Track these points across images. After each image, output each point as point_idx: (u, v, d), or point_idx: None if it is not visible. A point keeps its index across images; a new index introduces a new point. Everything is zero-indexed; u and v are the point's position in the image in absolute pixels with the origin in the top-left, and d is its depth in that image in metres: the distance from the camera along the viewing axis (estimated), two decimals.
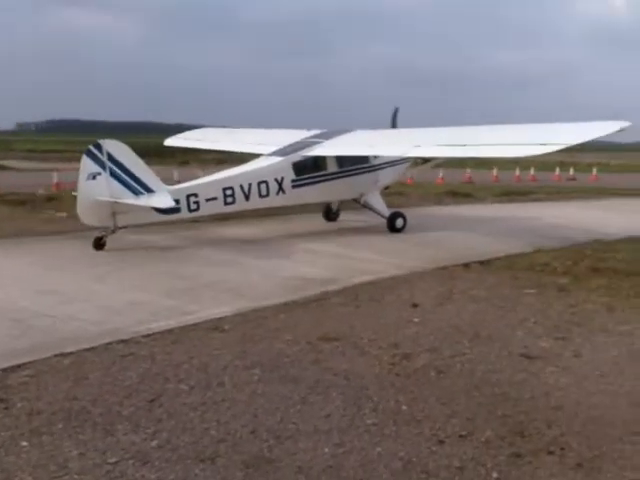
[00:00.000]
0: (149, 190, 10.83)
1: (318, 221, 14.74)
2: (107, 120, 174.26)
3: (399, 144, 12.93)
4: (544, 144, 10.26)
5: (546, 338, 6.36)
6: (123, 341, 6.06)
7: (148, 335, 6.25)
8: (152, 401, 4.70)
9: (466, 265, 9.97)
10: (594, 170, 34.83)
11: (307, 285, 8.51)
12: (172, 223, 11.97)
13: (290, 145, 13.54)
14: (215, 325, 6.61)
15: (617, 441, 4.23)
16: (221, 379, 5.14)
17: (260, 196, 12.26)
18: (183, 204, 11.14)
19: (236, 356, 5.67)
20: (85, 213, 10.65)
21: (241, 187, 11.94)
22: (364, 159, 13.95)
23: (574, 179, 32.57)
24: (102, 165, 10.50)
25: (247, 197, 12.01)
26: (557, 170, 33.65)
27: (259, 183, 12.22)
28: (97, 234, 10.80)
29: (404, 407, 4.70)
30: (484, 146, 11.31)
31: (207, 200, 11.48)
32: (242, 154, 15.84)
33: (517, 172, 32.10)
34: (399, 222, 13.73)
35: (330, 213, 15.19)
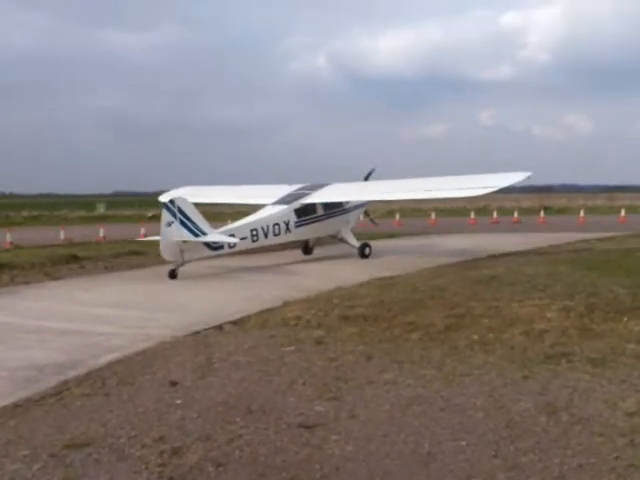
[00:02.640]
0: (204, 233, 14.89)
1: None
2: None
3: (382, 190, 18.64)
4: (485, 187, 15.55)
5: (319, 401, 6.04)
6: None
7: None
8: None
9: (219, 327, 9.41)
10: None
11: (40, 375, 7.07)
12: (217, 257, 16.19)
13: (288, 195, 18.27)
14: None
15: None
16: None
17: (274, 235, 16.89)
18: (227, 244, 15.45)
19: None
20: (164, 250, 14.58)
21: (262, 228, 16.53)
22: (340, 205, 18.88)
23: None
24: (174, 215, 14.48)
25: (266, 236, 16.63)
26: None
27: (273, 225, 16.84)
28: (171, 268, 14.80)
29: None
30: (445, 190, 16.88)
31: (241, 239, 15.82)
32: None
33: None
34: (367, 250, 18.67)
35: (307, 248, 19.89)
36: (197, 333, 9.08)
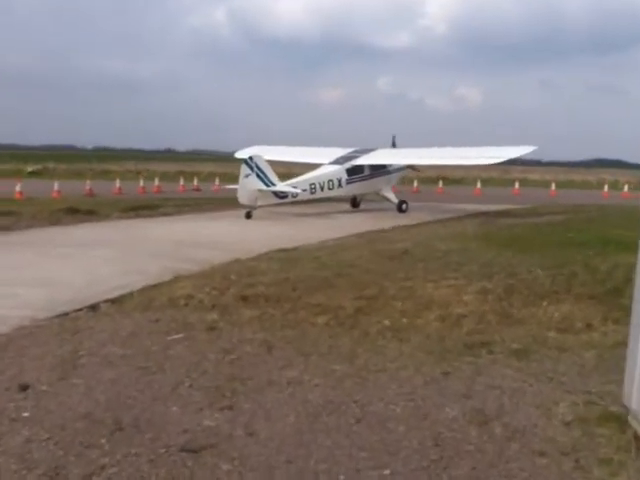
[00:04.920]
0: (273, 184, 18.67)
1: None
2: None
3: (417, 156, 22.58)
4: (497, 157, 19.31)
5: (209, 411, 4.93)
6: None
7: None
8: None
9: (93, 307, 8.01)
10: (217, 180, 35.59)
11: None
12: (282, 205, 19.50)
13: (341, 157, 21.84)
14: None
15: None
16: None
17: (329, 189, 20.41)
18: (291, 193, 19.05)
19: None
20: (242, 197, 18.47)
21: (319, 183, 20.09)
22: (383, 167, 22.42)
23: (199, 189, 32.68)
24: (251, 169, 18.37)
25: (322, 189, 20.14)
26: (182, 180, 33.34)
27: (328, 181, 20.37)
28: (247, 210, 18.50)
29: None
30: (471, 158, 20.94)
31: (302, 190, 19.52)
32: None
33: (141, 183, 30.74)
34: (404, 206, 22.04)
35: (355, 202, 23.51)
36: (65, 315, 7.64)
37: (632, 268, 9.71)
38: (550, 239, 13.34)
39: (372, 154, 22.12)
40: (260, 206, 18.71)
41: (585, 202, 27.81)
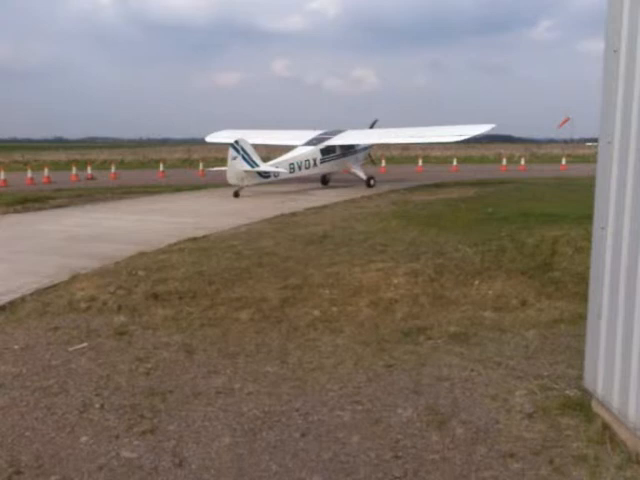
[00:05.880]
0: (257, 165, 20.56)
1: None
2: None
3: (384, 135, 25.24)
4: (461, 135, 21.57)
5: (127, 438, 4.15)
6: None
7: None
8: None
9: None
10: (112, 167, 33.62)
11: None
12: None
13: (314, 139, 23.58)
14: None
15: None
16: None
17: (305, 168, 22.31)
18: (273, 173, 21.06)
19: None
20: (230, 177, 20.33)
21: (297, 163, 22.03)
22: (352, 147, 24.13)
23: (93, 178, 30.71)
24: (237, 152, 20.14)
25: (300, 169, 22.03)
26: (74, 170, 31.17)
27: (305, 161, 22.31)
28: (235, 189, 20.42)
29: None
30: (435, 136, 23.32)
31: (283, 170, 21.26)
32: None
33: (29, 174, 28.47)
34: (372, 181, 23.83)
35: (325, 179, 25.11)
36: None
37: (558, 241, 9.81)
38: (470, 216, 13.18)
39: (342, 135, 24.22)
40: (247, 185, 20.48)
41: (487, 177, 28.42)
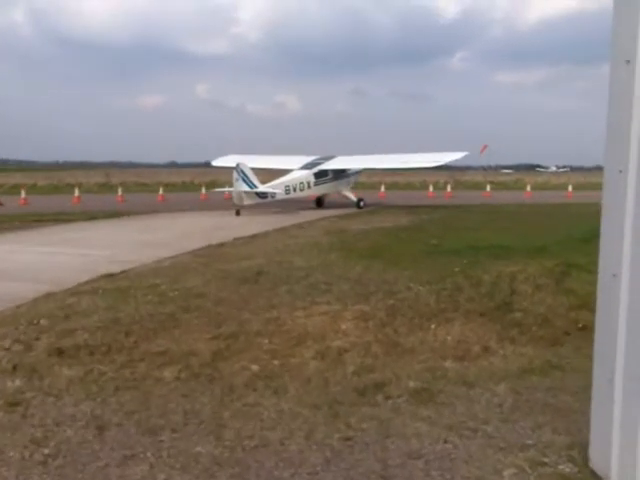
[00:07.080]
0: (255, 186, 22.96)
1: None
2: None
3: (371, 161, 27.94)
4: (437, 161, 25.03)
5: None
6: None
7: None
8: None
9: None
10: (22, 192, 31.28)
11: None
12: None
13: (308, 163, 26.70)
14: None
15: None
16: None
17: (300, 190, 25.20)
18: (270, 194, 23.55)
19: None
20: (234, 198, 22.83)
21: (292, 185, 24.83)
22: (344, 171, 27.13)
23: (0, 204, 28.41)
24: (239, 173, 22.56)
25: (295, 190, 24.87)
26: None
27: (299, 183, 25.22)
28: (236, 209, 22.59)
29: None
30: (414, 162, 26.23)
31: (279, 192, 23.94)
32: None
33: None
34: (361, 203, 26.24)
35: (319, 201, 27.89)
36: None
37: (516, 278, 9.21)
38: (414, 248, 12.48)
39: (334, 160, 26.84)
40: (246, 205, 22.51)
41: (418, 203, 28.46)
